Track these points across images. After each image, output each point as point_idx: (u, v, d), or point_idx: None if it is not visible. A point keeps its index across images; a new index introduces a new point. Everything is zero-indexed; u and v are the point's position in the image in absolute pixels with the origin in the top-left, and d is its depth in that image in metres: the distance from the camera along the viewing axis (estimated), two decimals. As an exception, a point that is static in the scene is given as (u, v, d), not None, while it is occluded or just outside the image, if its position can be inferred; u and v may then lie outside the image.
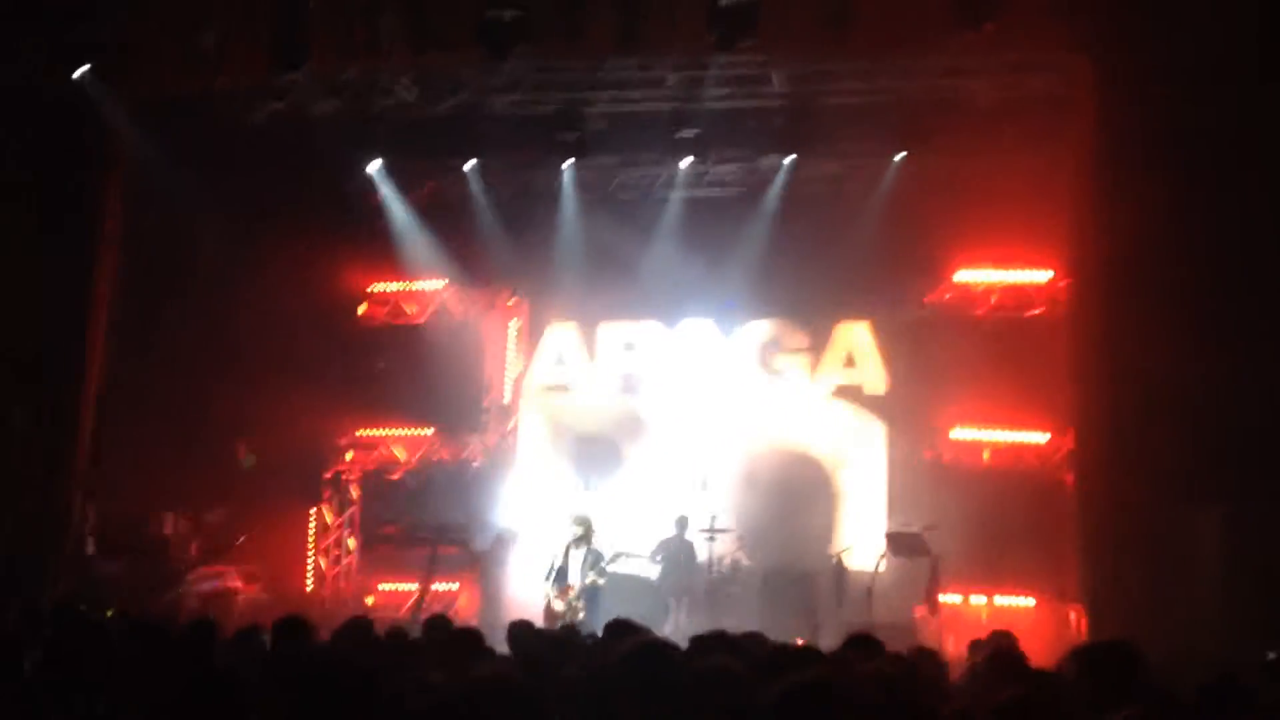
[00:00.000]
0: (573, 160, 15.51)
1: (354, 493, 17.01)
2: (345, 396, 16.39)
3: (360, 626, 7.24)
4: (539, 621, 11.14)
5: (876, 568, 13.81)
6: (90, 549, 13.87)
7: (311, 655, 6.00)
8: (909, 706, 4.19)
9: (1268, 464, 11.55)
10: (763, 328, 16.45)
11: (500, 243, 16.45)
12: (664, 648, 4.52)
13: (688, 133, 14.73)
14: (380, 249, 16.54)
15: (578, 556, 12.77)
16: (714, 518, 14.72)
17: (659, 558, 14.50)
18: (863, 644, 5.96)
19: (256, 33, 13.20)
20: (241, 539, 15.20)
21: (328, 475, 16.77)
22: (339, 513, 16.82)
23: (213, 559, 14.67)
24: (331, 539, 16.69)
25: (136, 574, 13.68)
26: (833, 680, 3.18)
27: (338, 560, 16.68)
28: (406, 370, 16.76)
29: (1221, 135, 11.66)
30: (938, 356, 15.30)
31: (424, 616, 11.38)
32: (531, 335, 17.18)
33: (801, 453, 16.24)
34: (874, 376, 16.09)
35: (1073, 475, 14.04)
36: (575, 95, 14.78)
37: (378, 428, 16.78)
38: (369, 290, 17.10)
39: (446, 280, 16.87)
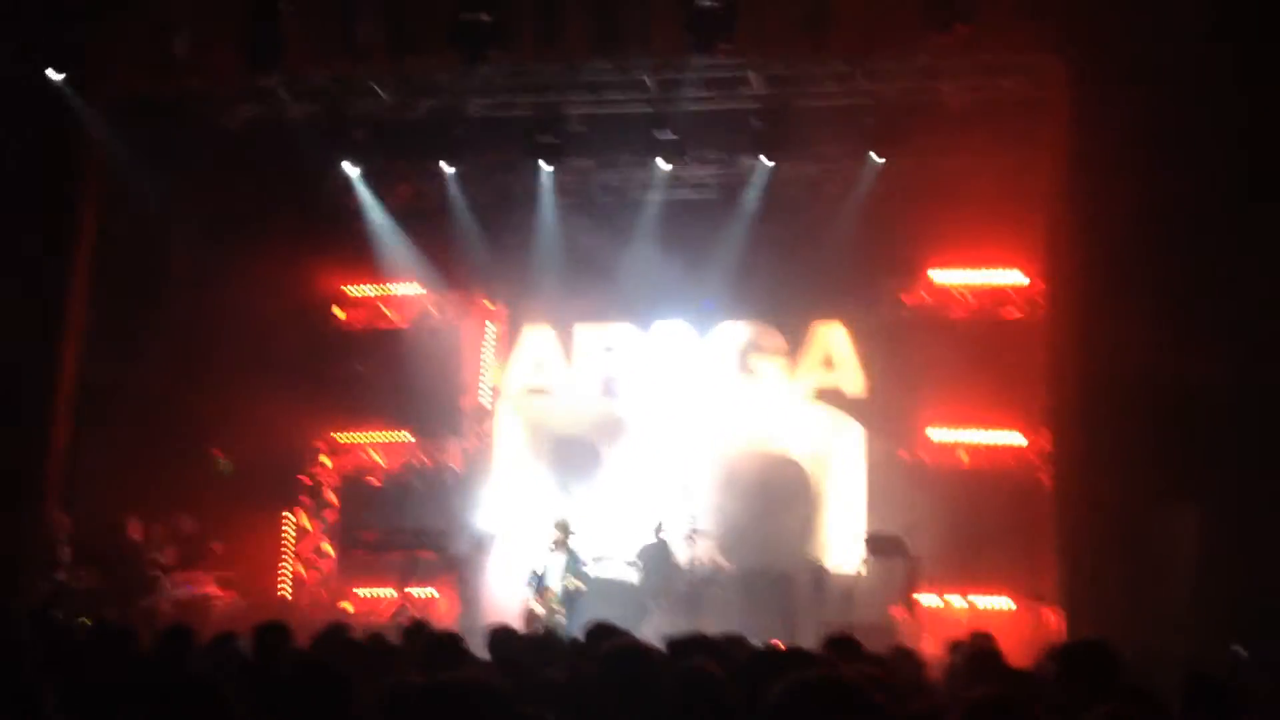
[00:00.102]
0: (550, 163, 15.49)
1: (331, 498, 16.93)
2: (322, 401, 16.33)
3: (338, 632, 7.22)
4: (519, 625, 11.13)
5: (858, 569, 13.85)
6: (65, 556, 13.75)
7: (290, 661, 5.97)
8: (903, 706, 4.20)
9: (1241, 463, 11.63)
10: (740, 330, 16.47)
11: (477, 246, 16.43)
12: (643, 650, 4.52)
13: (665, 135, 14.73)
14: (357, 253, 16.49)
15: (557, 560, 12.76)
16: (693, 519, 14.72)
17: (638, 561, 14.51)
18: (842, 644, 5.96)
19: (230, 35, 13.14)
20: (218, 545, 15.12)
21: (305, 480, 16.70)
22: (316, 518, 16.75)
23: (189, 565, 14.58)
24: (309, 544, 16.61)
25: (112, 581, 13.59)
26: (838, 678, 3.17)
27: (315, 566, 16.60)
28: (384, 374, 16.71)
29: (1194, 135, 11.73)
30: (915, 358, 15.36)
31: (402, 622, 11.35)
32: (509, 338, 17.15)
33: (780, 454, 16.26)
34: (851, 378, 16.13)
35: (1049, 475, 14.10)
36: (552, 98, 14.76)
37: (355, 432, 16.73)
38: (345, 294, 17.04)
39: (424, 284, 16.83)
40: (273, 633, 6.69)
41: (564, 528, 12.84)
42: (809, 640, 8.40)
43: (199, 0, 13.45)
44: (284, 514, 16.39)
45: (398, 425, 16.66)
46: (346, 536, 16.50)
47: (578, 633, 9.32)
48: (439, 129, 15.21)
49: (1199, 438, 11.79)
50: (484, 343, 17.15)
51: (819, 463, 16.17)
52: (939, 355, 15.08)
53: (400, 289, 16.98)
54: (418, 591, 15.52)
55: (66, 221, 14.20)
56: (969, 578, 14.39)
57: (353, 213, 16.32)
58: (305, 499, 16.70)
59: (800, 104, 14.42)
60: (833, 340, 16.26)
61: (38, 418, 13.92)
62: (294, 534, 16.49)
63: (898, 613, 13.82)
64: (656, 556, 14.47)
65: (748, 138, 14.80)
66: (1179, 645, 10.60)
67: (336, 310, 17.05)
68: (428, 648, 6.57)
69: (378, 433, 16.75)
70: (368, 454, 16.80)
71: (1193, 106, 11.71)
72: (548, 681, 5.80)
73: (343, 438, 16.74)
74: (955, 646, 7.80)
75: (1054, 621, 13.37)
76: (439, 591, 15.60)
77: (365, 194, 16.21)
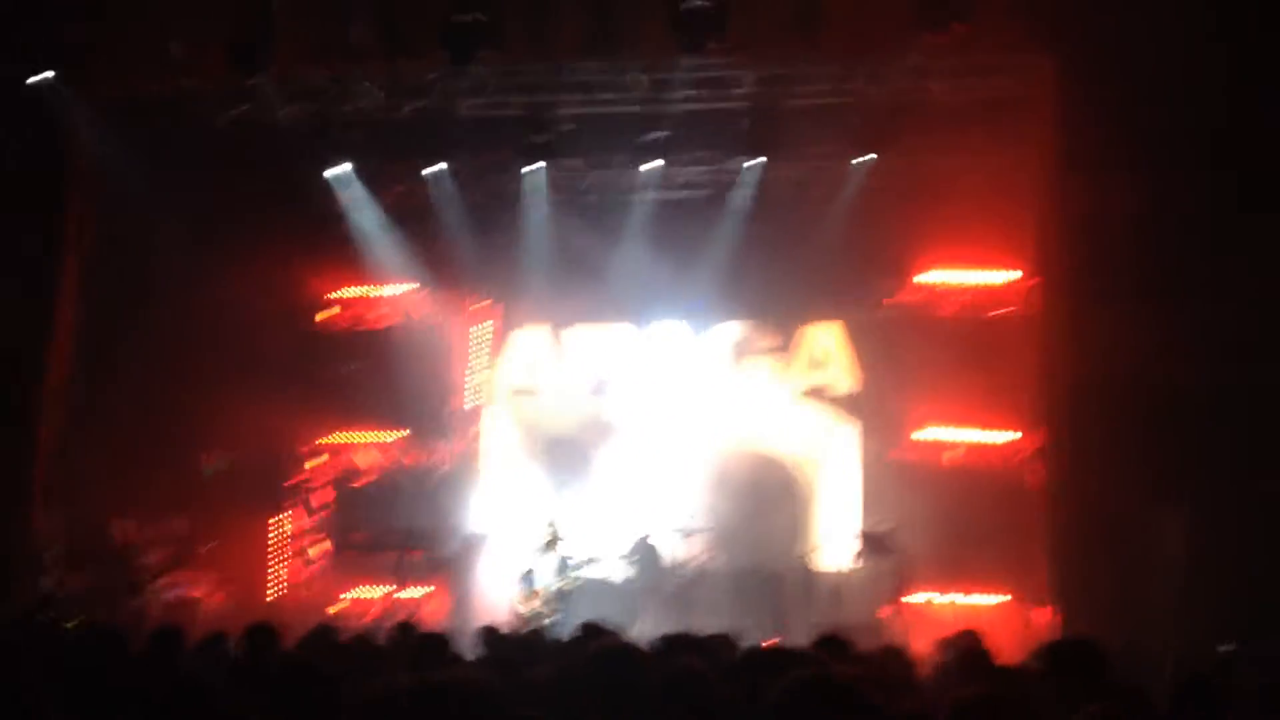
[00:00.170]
0: (541, 163, 15.49)
1: (320, 499, 16.89)
2: (311, 402, 16.28)
3: (326, 633, 7.21)
4: (509, 626, 11.12)
5: (848, 568, 13.87)
6: (53, 558, 13.71)
7: (278, 663, 5.96)
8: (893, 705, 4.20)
9: (1229, 463, 11.68)
10: (732, 329, 16.46)
11: (468, 246, 16.39)
12: (632, 650, 4.52)
13: (656, 135, 14.73)
14: (347, 253, 16.44)
15: (547, 560, 12.75)
16: (684, 519, 14.72)
17: (627, 560, 14.50)
18: (832, 644, 5.96)
19: (220, 36, 13.11)
20: (206, 547, 15.07)
21: (293, 482, 16.64)
22: (306, 519, 16.70)
23: (177, 567, 14.52)
24: (297, 546, 16.57)
25: (100, 583, 13.53)
26: (838, 677, 3.16)
27: (304, 567, 16.56)
28: (373, 375, 16.66)
29: (1184, 135, 11.78)
30: (906, 357, 15.37)
31: (391, 623, 11.34)
32: (500, 338, 17.12)
33: (771, 454, 16.27)
34: (843, 377, 16.14)
35: (1039, 474, 14.12)
36: (543, 98, 14.75)
37: (345, 433, 16.69)
38: (336, 295, 17.00)
39: (414, 284, 16.79)
40: (261, 634, 6.67)
41: (554, 528, 12.84)
42: (800, 640, 8.40)
43: (192, 2, 13.42)
44: (273, 515, 16.35)
45: (388, 426, 16.62)
46: (336, 538, 16.46)
47: (567, 633, 9.33)
48: (430, 129, 15.19)
49: (1187, 438, 11.85)
50: (474, 343, 17.12)
51: (810, 462, 16.17)
52: (930, 354, 15.09)
53: (391, 289, 16.94)
54: (407, 592, 15.50)
55: (56, 221, 14.17)
56: (959, 576, 14.39)
57: (343, 213, 16.29)
58: (295, 500, 16.65)
59: (791, 104, 14.42)
60: (824, 339, 16.27)
61: (27, 419, 13.88)
62: (283, 535, 16.44)
63: (888, 612, 13.83)
64: (646, 556, 14.47)
65: (738, 137, 14.81)
66: (1167, 642, 10.65)
67: (327, 310, 17.01)
68: (416, 648, 6.56)
69: (368, 433, 16.70)
70: (357, 455, 16.76)
71: (1182, 106, 11.75)
72: (537, 682, 5.79)
73: (332, 438, 16.70)
74: (945, 645, 7.80)
75: (1043, 620, 13.41)
76: (429, 592, 15.58)
77: (356, 194, 16.18)
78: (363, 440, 16.70)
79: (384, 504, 16.45)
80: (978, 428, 15.22)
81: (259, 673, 5.83)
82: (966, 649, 6.09)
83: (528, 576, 12.73)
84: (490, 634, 7.66)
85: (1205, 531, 11.89)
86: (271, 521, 16.32)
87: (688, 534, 14.69)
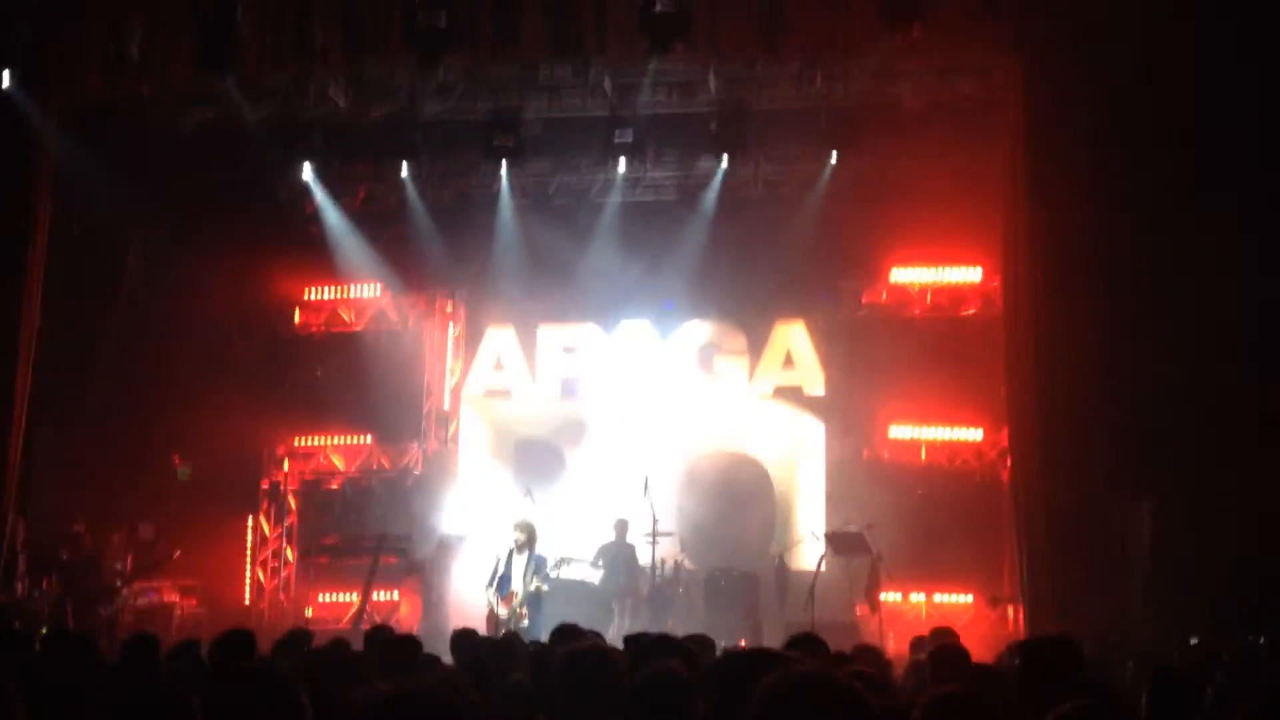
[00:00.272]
0: (508, 164, 15.49)
1: (292, 503, 16.82)
2: (281, 405, 16.23)
3: (300, 638, 7.19)
4: (482, 629, 11.11)
5: (818, 567, 13.91)
6: (21, 565, 13.59)
7: (246, 670, 5.94)
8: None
9: (1195, 460, 11.81)
10: (701, 329, 16.50)
11: (437, 247, 16.39)
12: (607, 652, 4.54)
13: (624, 136, 14.75)
14: (315, 256, 16.40)
15: (520, 562, 12.72)
16: (656, 520, 14.73)
17: (601, 562, 14.51)
18: (806, 643, 5.99)
19: (183, 37, 13.03)
20: (177, 552, 14.94)
21: (265, 485, 16.59)
22: (277, 523, 16.63)
23: (148, 573, 14.42)
24: (269, 550, 16.50)
25: (70, 590, 13.42)
26: (825, 675, 3.17)
27: (276, 572, 16.49)
28: (344, 378, 16.63)
29: (1148, 135, 11.89)
30: (875, 356, 15.47)
31: (365, 626, 11.31)
32: (470, 340, 17.09)
33: (741, 453, 16.32)
34: (812, 377, 16.20)
35: (1007, 472, 14.23)
36: (510, 100, 14.75)
37: (315, 436, 16.63)
38: (304, 298, 16.94)
39: (382, 287, 16.75)
40: (233, 640, 6.65)
41: (527, 529, 12.81)
42: (774, 639, 8.45)
43: (153, 3, 13.33)
44: (245, 520, 16.26)
45: (358, 429, 16.58)
46: (308, 541, 16.41)
47: (541, 635, 9.33)
48: (396, 130, 15.17)
49: (1152, 434, 11.97)
50: (444, 344, 17.10)
51: (780, 462, 16.24)
52: (898, 353, 15.19)
53: (359, 292, 16.89)
54: (380, 596, 15.46)
55: (20, 225, 14.02)
56: (931, 574, 14.49)
57: (310, 216, 16.23)
58: (266, 504, 16.59)
59: (757, 105, 14.49)
60: (793, 339, 16.32)
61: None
62: (255, 540, 16.36)
63: (861, 610, 13.90)
64: (619, 557, 14.48)
65: (705, 139, 14.87)
66: (1136, 636, 10.76)
67: (297, 314, 16.94)
68: (388, 653, 6.55)
69: (338, 436, 16.66)
70: (328, 458, 16.71)
71: (1145, 106, 11.87)
72: (511, 685, 5.81)
73: (303, 442, 16.63)
74: (918, 643, 7.87)
75: (1011, 616, 13.52)
76: (402, 595, 15.55)
77: (322, 197, 16.14)
78: (334, 443, 16.64)
79: (356, 507, 16.42)
80: (946, 426, 15.34)
81: (233, 679, 5.82)
82: (940, 646, 6.14)
83: (501, 579, 12.70)
84: (464, 637, 7.65)
85: (1171, 526, 12.02)
86: (243, 527, 16.24)
87: (661, 535, 14.69)
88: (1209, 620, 10.35)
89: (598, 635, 6.62)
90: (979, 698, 3.83)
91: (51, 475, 14.40)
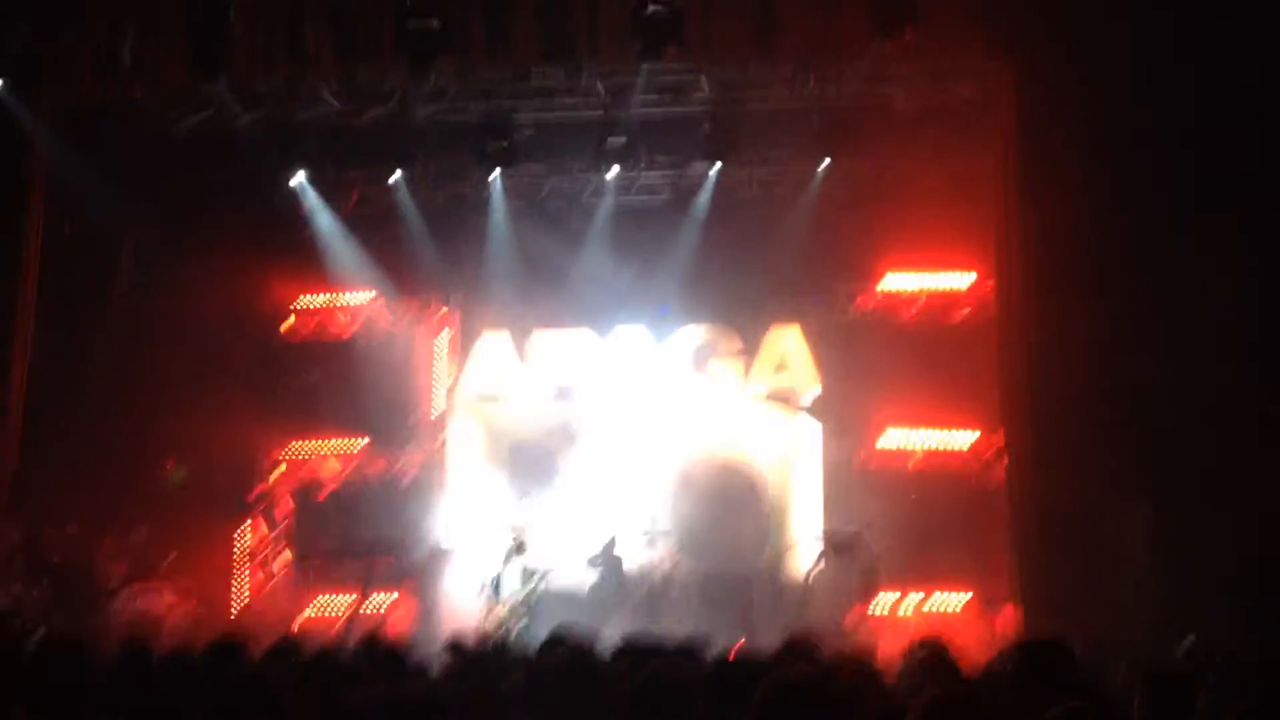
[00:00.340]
0: (501, 168, 15.47)
1: (284, 508, 16.76)
2: (274, 411, 16.16)
3: (291, 645, 7.15)
4: (476, 634, 11.08)
5: (812, 570, 13.92)
6: (14, 570, 13.55)
7: (243, 676, 5.91)
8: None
9: (1189, 461, 11.80)
10: (695, 333, 16.47)
11: (429, 252, 16.34)
12: (599, 658, 4.52)
13: (616, 140, 14.74)
14: (307, 261, 16.35)
15: (514, 568, 12.73)
16: (651, 524, 14.72)
17: (595, 567, 14.48)
18: (799, 647, 5.97)
19: (176, 41, 13.02)
20: (170, 557, 14.93)
21: (257, 491, 16.52)
22: (269, 529, 16.57)
23: (141, 578, 14.39)
24: (262, 556, 16.43)
25: (63, 595, 13.39)
26: (822, 677, 3.16)
27: (269, 577, 16.43)
28: (336, 383, 16.57)
29: (1141, 138, 11.90)
30: (869, 359, 15.46)
31: (357, 633, 11.27)
32: (463, 345, 17.04)
33: (736, 457, 16.28)
34: (806, 380, 16.18)
35: (1003, 474, 14.22)
36: (502, 103, 14.75)
37: (309, 441, 16.57)
38: (296, 303, 16.89)
39: (375, 291, 16.71)
40: (226, 647, 6.60)
41: (520, 535, 12.81)
42: (767, 644, 8.42)
43: (146, 7, 13.32)
44: (237, 526, 16.21)
45: (352, 434, 16.52)
46: (301, 547, 16.35)
47: (535, 641, 9.30)
48: (389, 135, 15.16)
49: (1147, 435, 11.96)
50: (438, 350, 17.06)
51: (775, 465, 16.21)
52: (893, 357, 15.18)
53: (352, 297, 16.84)
54: (374, 601, 15.41)
55: (13, 229, 14.00)
56: (925, 577, 14.48)
57: (303, 220, 16.20)
58: (259, 510, 16.53)
59: (749, 108, 14.50)
60: (787, 343, 16.30)
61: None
62: (248, 545, 16.31)
63: (855, 614, 13.87)
64: (612, 562, 14.46)
65: (699, 142, 14.86)
66: (1131, 638, 10.73)
67: (289, 319, 16.89)
68: (380, 660, 6.52)
69: (332, 442, 16.61)
70: (322, 463, 16.65)
71: (1140, 109, 11.88)
72: (504, 691, 5.78)
73: (297, 447, 16.58)
74: (912, 646, 7.84)
75: (1009, 619, 13.49)
76: (395, 601, 15.49)
77: (315, 201, 16.10)
78: (326, 449, 16.60)
79: (349, 514, 16.35)
80: (940, 429, 15.32)
81: (225, 686, 5.79)
82: (933, 650, 6.11)
83: (494, 584, 12.69)
84: (457, 644, 7.62)
85: (1166, 527, 12.01)
86: (235, 532, 16.19)
87: (654, 539, 14.68)
88: (1205, 621, 10.33)
89: (590, 641, 6.59)
90: (973, 700, 3.81)
91: (45, 480, 14.35)
